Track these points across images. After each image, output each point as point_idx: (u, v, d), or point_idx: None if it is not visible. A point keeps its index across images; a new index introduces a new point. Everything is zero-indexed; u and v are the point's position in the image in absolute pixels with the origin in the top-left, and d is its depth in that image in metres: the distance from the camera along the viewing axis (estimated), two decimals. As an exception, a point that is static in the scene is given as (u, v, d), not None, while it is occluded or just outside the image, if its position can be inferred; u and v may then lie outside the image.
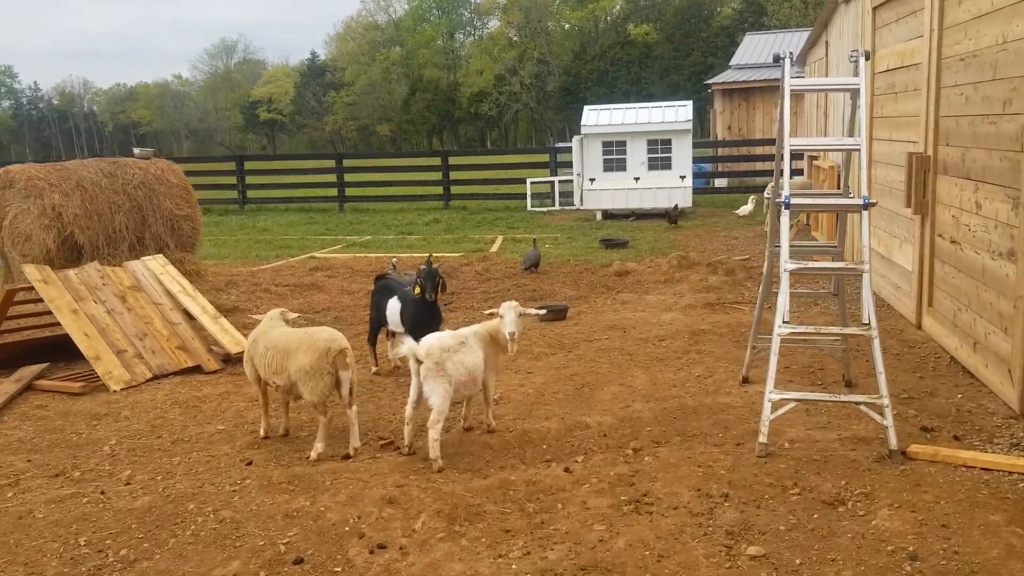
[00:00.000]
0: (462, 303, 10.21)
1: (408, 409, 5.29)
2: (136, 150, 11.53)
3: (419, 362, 5.14)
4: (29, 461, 5.48)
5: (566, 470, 4.94)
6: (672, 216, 17.22)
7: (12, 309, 8.11)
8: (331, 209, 22.65)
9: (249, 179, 24.25)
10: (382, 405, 6.42)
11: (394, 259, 10.34)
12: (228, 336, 7.85)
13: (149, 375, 7.27)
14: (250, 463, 5.30)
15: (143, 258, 8.34)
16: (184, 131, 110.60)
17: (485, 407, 5.69)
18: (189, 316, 8.01)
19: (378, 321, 7.30)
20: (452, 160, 23.28)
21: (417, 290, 6.82)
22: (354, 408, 5.41)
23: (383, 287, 7.35)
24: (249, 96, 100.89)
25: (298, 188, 24.20)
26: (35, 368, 7.36)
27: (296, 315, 6.16)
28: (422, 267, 7.01)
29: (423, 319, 6.78)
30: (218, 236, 17.73)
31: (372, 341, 7.38)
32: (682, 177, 18.74)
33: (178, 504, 4.68)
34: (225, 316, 8.39)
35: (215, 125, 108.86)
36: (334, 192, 23.07)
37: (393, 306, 7.09)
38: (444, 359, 5.13)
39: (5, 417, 6.39)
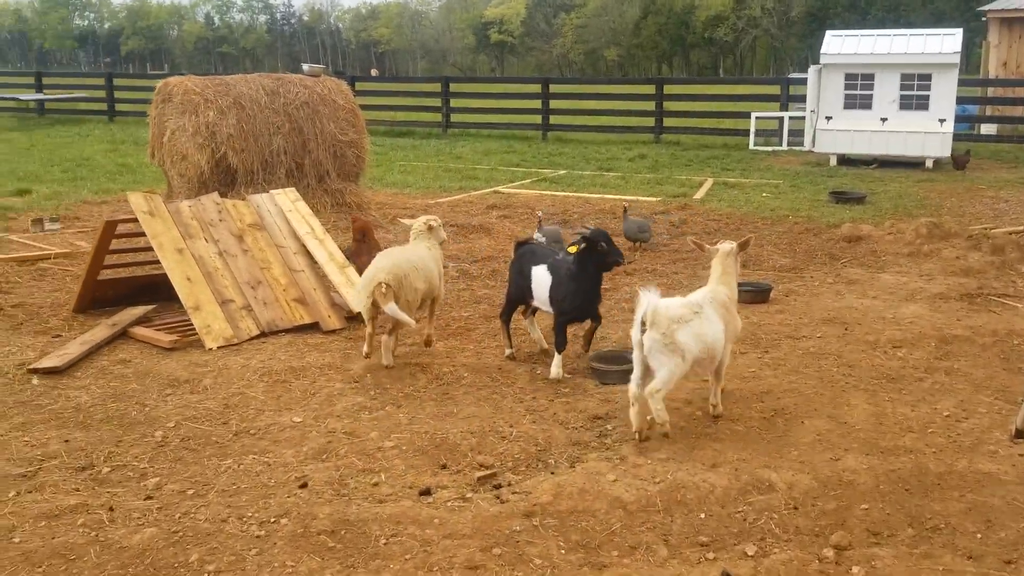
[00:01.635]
0: (645, 263, 8.49)
1: (632, 387, 4.45)
2: (305, 66, 10.47)
3: (643, 330, 4.34)
4: (67, 442, 4.51)
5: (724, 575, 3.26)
6: (960, 162, 14.54)
7: (135, 241, 7.36)
8: (533, 137, 21.24)
9: (455, 102, 23.28)
10: (502, 407, 4.96)
11: (539, 212, 8.86)
12: (353, 291, 6.64)
13: (255, 331, 6.22)
14: (304, 485, 4.02)
15: (273, 191, 7.28)
16: (419, 51, 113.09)
17: (714, 384, 4.74)
18: (315, 262, 6.89)
19: (519, 295, 5.83)
20: (668, 88, 21.09)
21: (574, 249, 5.35)
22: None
23: (527, 253, 5.83)
24: (482, 17, 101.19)
25: (502, 114, 22.98)
26: (137, 311, 6.52)
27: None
28: (584, 229, 5.44)
29: (587, 294, 5.42)
30: (410, 162, 16.86)
31: (506, 318, 5.92)
32: (941, 120, 15.61)
33: (181, 549, 3.48)
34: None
35: (448, 46, 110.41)
36: (538, 120, 21.63)
37: (541, 277, 5.59)
38: (673, 331, 4.34)
39: (81, 371, 5.54)
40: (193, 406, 4.99)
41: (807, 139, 17.38)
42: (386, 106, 23.66)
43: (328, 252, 6.92)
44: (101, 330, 6.12)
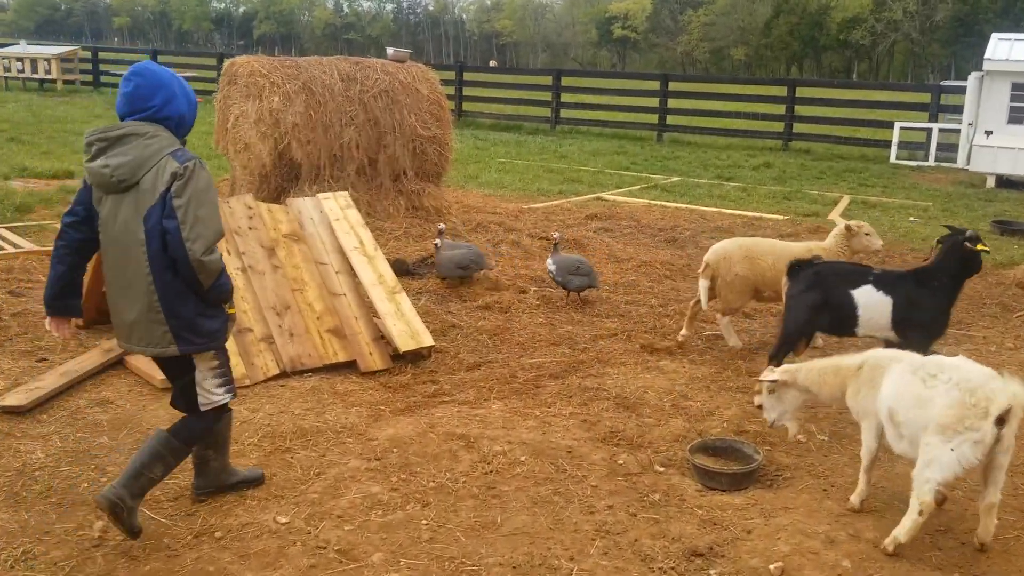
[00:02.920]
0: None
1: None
2: (389, 50, 9.30)
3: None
4: (-20, 525, 3.40)
5: None
6: None
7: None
8: (647, 138, 19.62)
9: (566, 96, 21.86)
10: (563, 521, 3.58)
11: (556, 234, 7.66)
12: (402, 323, 5.40)
13: (274, 371, 5.04)
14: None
15: (320, 195, 6.09)
16: (541, 44, 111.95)
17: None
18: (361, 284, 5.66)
19: (816, 328, 5.03)
20: (800, 91, 19.11)
21: (980, 247, 4.62)
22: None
23: (827, 276, 4.86)
24: (606, 11, 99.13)
25: (616, 111, 21.44)
26: (145, 333, 5.43)
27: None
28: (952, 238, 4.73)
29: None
30: (511, 159, 15.58)
31: (781, 357, 4.83)
32: None
33: None
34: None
35: (570, 40, 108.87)
36: (654, 119, 20.00)
37: (872, 300, 4.72)
38: None
39: (49, 413, 4.45)
40: (161, 483, 3.81)
41: (961, 155, 15.26)
42: (494, 98, 22.45)
43: (377, 272, 5.68)
44: (92, 356, 5.05)
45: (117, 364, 5.10)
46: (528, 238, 8.79)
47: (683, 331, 5.92)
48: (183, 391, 3.46)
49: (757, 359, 5.59)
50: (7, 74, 27.34)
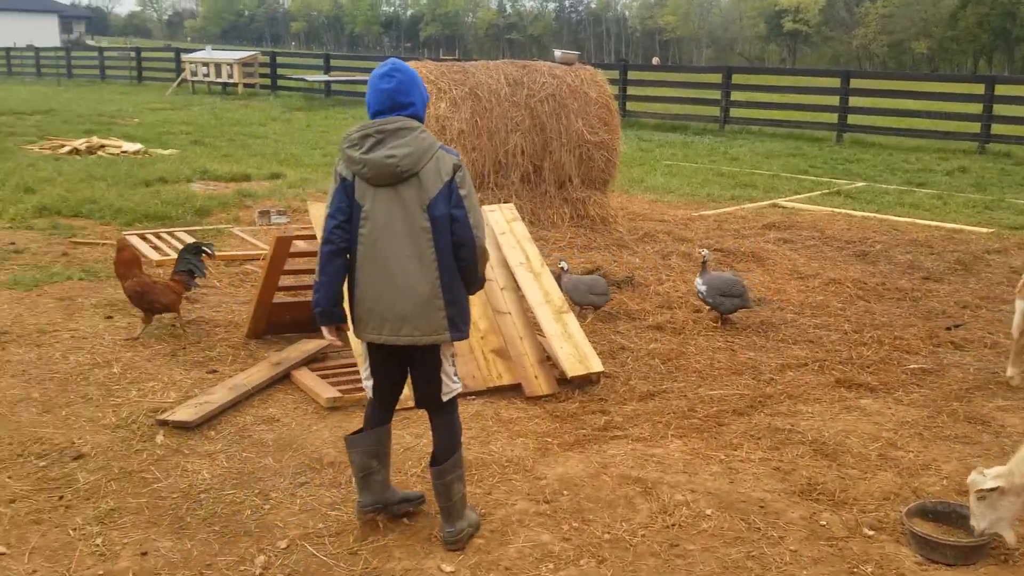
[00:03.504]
0: (975, 331, 6.14)
1: None
2: (557, 52, 8.97)
3: None
4: (144, 555, 3.30)
5: None
6: None
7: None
8: (826, 139, 18.43)
9: (736, 95, 20.94)
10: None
11: (703, 251, 6.82)
12: (570, 345, 5.06)
13: (438, 392, 4.81)
14: None
15: (486, 207, 5.83)
16: (706, 39, 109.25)
17: None
18: (526, 302, 5.37)
19: None
20: (999, 89, 17.43)
21: None
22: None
23: None
24: (776, 4, 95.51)
25: (791, 110, 20.34)
26: (310, 345, 5.34)
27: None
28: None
29: None
30: (677, 162, 14.99)
31: None
32: None
33: None
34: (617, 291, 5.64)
35: (737, 34, 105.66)
36: (833, 118, 18.80)
37: None
38: None
39: (217, 429, 4.40)
40: (323, 514, 3.63)
41: None
42: (659, 97, 21.81)
43: (544, 290, 5.37)
44: (260, 370, 4.99)
45: (284, 379, 5.02)
46: (700, 248, 8.26)
47: (1010, 370, 5.10)
48: (427, 382, 3.42)
49: (976, 400, 4.90)
50: (194, 78, 29.09)
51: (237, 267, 7.48)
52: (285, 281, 5.83)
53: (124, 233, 8.45)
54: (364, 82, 24.29)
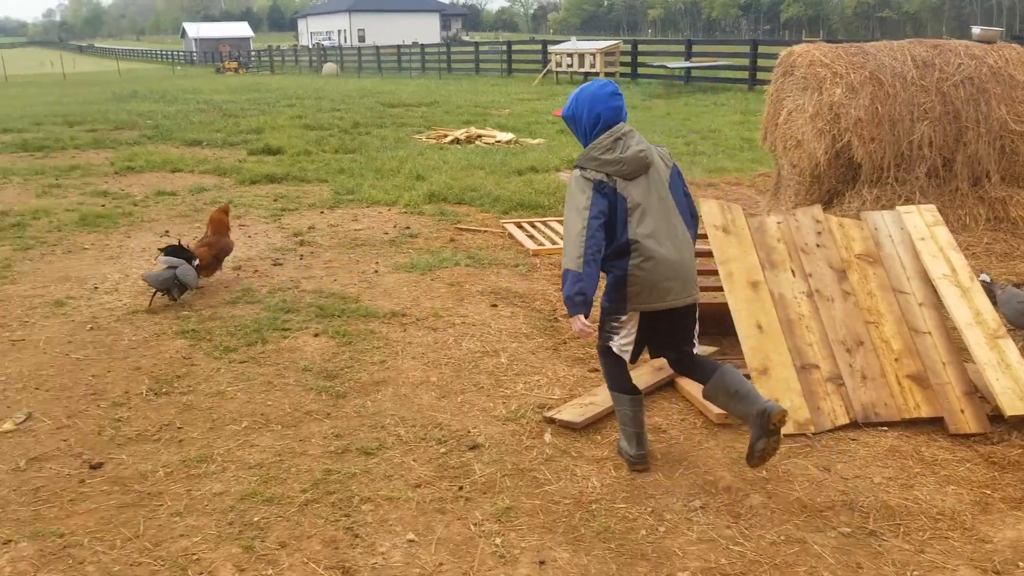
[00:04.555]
0: None
1: None
2: (975, 29, 7.78)
3: None
4: (542, 564, 3.22)
5: None
6: None
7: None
8: None
9: None
10: None
11: (983, 276, 5.19)
12: (1007, 378, 4.26)
13: (843, 419, 4.28)
14: None
15: (900, 208, 5.13)
16: None
17: None
18: (949, 322, 4.62)
19: None
20: None
21: None
22: None
23: None
24: None
25: None
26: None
27: None
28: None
29: None
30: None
31: None
32: None
33: None
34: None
35: None
36: None
37: None
38: None
39: (603, 433, 4.26)
40: (724, 548, 3.31)
41: None
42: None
43: (973, 309, 4.58)
44: (643, 375, 4.79)
45: (667, 385, 4.78)
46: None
47: None
48: (687, 338, 3.89)
49: None
50: (558, 69, 30.21)
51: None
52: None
53: (501, 221, 8.79)
54: (727, 67, 23.55)
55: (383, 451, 4.08)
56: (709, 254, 4.87)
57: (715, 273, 4.90)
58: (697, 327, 3.91)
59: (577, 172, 3.75)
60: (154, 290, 6.11)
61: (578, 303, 3.59)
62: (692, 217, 3.91)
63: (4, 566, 3.21)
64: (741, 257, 4.72)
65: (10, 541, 3.37)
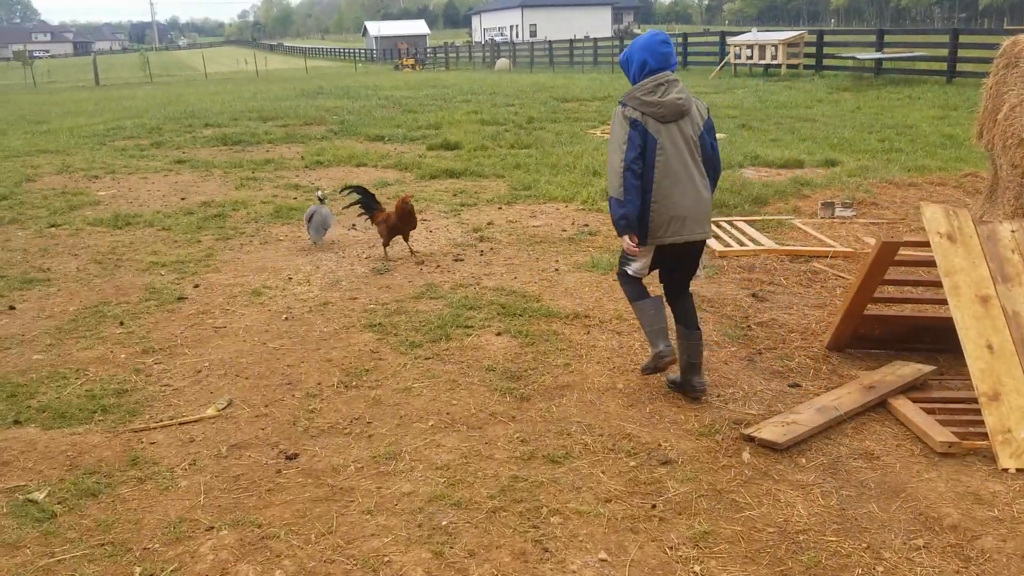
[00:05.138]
0: None
1: None
2: None
3: None
4: (746, 595, 2.99)
5: None
6: None
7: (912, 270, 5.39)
8: None
9: None
10: None
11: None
12: None
13: (1088, 454, 3.77)
14: None
15: None
16: None
17: None
18: None
19: None
20: None
21: None
22: None
23: None
24: None
25: None
26: (908, 370, 4.60)
27: None
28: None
29: None
30: None
31: None
32: None
33: None
34: None
35: None
36: None
37: None
38: None
39: (807, 456, 3.94)
40: (953, 594, 2.96)
41: None
42: None
43: None
44: (851, 394, 4.41)
45: (878, 406, 4.38)
46: None
47: None
48: (687, 276, 4.54)
49: None
50: (737, 61, 29.21)
51: (803, 264, 6.97)
52: (881, 291, 5.14)
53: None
54: (922, 58, 21.94)
55: (570, 460, 3.95)
56: (931, 263, 4.43)
57: (936, 284, 4.46)
58: (701, 265, 4.58)
59: (619, 108, 4.21)
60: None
61: (623, 226, 4.17)
62: (714, 171, 4.34)
63: (207, 553, 3.30)
64: (969, 269, 4.26)
65: (212, 528, 3.46)
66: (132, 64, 72.23)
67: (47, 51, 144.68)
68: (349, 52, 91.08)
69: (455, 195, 10.24)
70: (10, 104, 29.07)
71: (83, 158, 14.01)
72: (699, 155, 4.20)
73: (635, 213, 4.13)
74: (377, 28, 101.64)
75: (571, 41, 48.15)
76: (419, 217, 8.81)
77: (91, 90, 41.10)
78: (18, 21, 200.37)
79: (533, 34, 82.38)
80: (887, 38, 26.58)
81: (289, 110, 21.05)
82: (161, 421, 4.45)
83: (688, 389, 4.51)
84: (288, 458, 4.03)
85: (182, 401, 4.70)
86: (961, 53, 22.88)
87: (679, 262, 4.42)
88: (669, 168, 4.14)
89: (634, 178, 4.10)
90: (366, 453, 4.05)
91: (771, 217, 8.60)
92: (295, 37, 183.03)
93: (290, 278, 6.97)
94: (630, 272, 4.45)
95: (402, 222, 7.38)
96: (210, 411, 4.54)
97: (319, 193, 8.22)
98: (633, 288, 4.50)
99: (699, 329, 4.47)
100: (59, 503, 3.69)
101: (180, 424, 4.41)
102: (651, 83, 4.16)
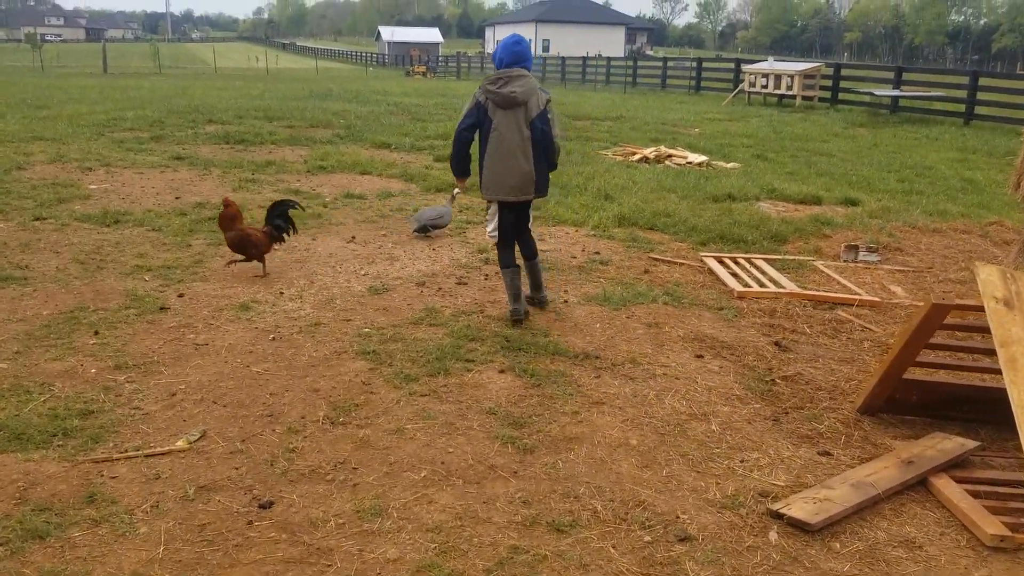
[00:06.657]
0: None
1: None
2: None
3: None
4: None
5: None
6: None
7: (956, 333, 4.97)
8: None
9: None
10: None
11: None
12: None
13: None
14: None
15: None
16: None
17: None
18: None
19: None
20: None
21: None
22: None
23: None
24: None
25: None
26: (950, 444, 4.19)
27: None
28: None
29: None
30: None
31: None
32: None
33: None
34: None
35: None
36: None
37: None
38: None
39: (839, 538, 3.52)
40: None
41: None
42: None
43: None
44: (888, 470, 3.99)
45: (917, 484, 3.96)
46: None
47: None
48: (523, 223, 5.98)
49: None
50: (751, 89, 28.90)
51: (827, 311, 6.56)
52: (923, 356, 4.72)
53: (700, 254, 8.09)
54: (939, 98, 21.71)
55: (577, 529, 3.52)
56: (986, 329, 4.02)
57: (989, 352, 4.05)
58: (531, 218, 6.06)
59: (476, 90, 5.56)
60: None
61: (453, 171, 5.93)
62: (545, 149, 5.61)
63: (160, 622, 2.87)
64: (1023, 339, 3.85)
65: (170, 589, 3.04)
66: (142, 54, 71.89)
67: (59, 35, 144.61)
68: (361, 55, 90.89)
69: (460, 212, 9.83)
70: (14, 87, 28.65)
71: (79, 148, 13.59)
72: (527, 136, 5.50)
73: (458, 165, 5.80)
74: (391, 33, 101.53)
75: (584, 58, 47.90)
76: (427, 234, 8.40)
77: (98, 77, 40.73)
78: (32, 3, 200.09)
79: (546, 49, 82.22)
80: (905, 75, 26.30)
81: (296, 111, 20.65)
82: (126, 451, 4.02)
83: (536, 303, 6.19)
84: (262, 506, 3.60)
85: (151, 428, 4.27)
86: (980, 95, 22.59)
87: (514, 215, 5.87)
88: (501, 143, 5.51)
89: (460, 141, 5.67)
90: (349, 506, 3.63)
91: (791, 257, 8.19)
92: (308, 37, 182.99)
93: (282, 292, 6.55)
94: (489, 230, 6.06)
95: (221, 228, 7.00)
96: (180, 443, 4.11)
97: (455, 191, 8.57)
98: (503, 255, 5.91)
99: (537, 257, 6.11)
100: (1, 545, 3.26)
101: (146, 456, 3.98)
102: (496, 76, 5.52)
